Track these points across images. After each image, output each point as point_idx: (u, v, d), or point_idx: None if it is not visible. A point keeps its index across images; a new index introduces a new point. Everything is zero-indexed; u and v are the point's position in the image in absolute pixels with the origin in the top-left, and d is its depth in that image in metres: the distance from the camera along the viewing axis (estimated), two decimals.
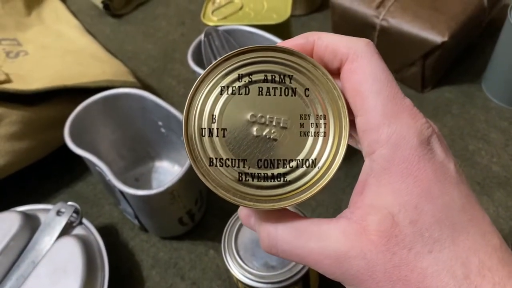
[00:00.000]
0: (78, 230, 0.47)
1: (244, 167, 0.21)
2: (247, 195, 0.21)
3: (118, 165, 0.55)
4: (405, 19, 0.57)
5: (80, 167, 0.56)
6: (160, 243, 0.51)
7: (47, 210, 0.47)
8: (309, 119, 0.21)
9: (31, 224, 0.45)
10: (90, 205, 0.54)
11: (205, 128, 0.21)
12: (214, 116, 0.21)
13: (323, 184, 0.21)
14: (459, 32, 0.56)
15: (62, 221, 0.45)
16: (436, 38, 0.54)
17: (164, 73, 0.70)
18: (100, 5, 0.79)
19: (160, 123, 0.51)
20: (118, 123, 0.52)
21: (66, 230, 0.45)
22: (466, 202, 0.19)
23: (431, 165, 0.19)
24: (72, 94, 0.55)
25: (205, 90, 0.22)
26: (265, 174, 0.21)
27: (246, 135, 0.21)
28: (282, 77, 0.22)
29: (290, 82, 0.22)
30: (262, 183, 0.21)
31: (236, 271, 0.37)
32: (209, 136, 0.21)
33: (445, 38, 0.54)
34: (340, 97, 0.21)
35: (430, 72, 0.59)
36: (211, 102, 0.21)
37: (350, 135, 0.23)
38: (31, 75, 0.57)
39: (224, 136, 0.21)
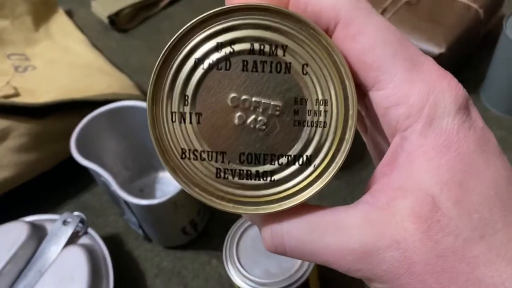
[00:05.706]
0: (83, 240, 0.48)
1: (223, 161, 0.17)
2: (227, 195, 0.18)
3: (123, 176, 0.56)
4: (402, 31, 0.58)
5: (86, 178, 0.57)
6: (164, 252, 0.52)
7: (54, 220, 0.48)
8: (305, 104, 0.17)
9: (38, 234, 0.46)
10: (95, 215, 0.55)
11: (175, 112, 0.17)
12: (186, 97, 0.17)
13: (318, 187, 0.17)
14: (456, 43, 0.57)
15: (68, 231, 0.46)
16: (434, 49, 0.55)
17: None
18: (106, 20, 0.80)
19: None
20: (123, 135, 0.54)
21: (72, 240, 0.46)
22: (511, 174, 0.17)
23: (472, 134, 0.16)
24: (78, 107, 0.56)
25: (175, 62, 0.17)
26: (248, 172, 0.17)
27: (226, 123, 0.17)
28: (273, 47, 0.17)
29: (284, 55, 0.17)
30: (245, 181, 0.17)
31: (238, 279, 0.38)
32: (180, 122, 0.17)
33: (442, 50, 0.55)
34: (348, 76, 0.17)
35: None
36: (183, 79, 0.17)
37: (359, 120, 0.20)
38: (39, 89, 0.59)
39: (199, 123, 0.17)
